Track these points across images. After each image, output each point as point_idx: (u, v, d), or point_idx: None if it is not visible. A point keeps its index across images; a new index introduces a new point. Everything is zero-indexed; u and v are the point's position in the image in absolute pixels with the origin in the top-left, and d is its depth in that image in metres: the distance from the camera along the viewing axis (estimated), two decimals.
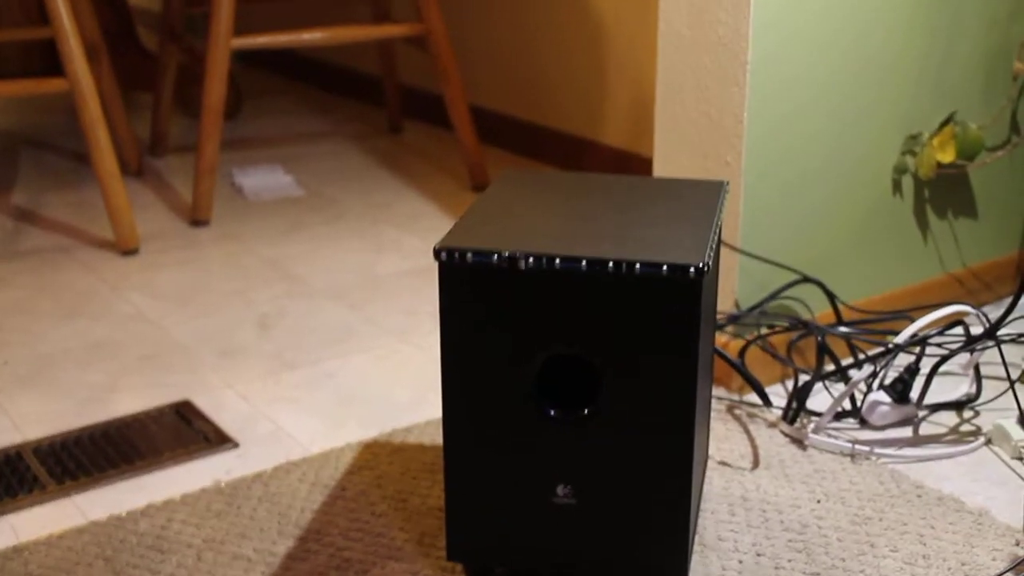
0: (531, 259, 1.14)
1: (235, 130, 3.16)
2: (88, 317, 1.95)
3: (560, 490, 1.21)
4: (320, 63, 3.67)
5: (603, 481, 1.20)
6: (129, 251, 2.24)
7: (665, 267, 1.12)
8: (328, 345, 1.84)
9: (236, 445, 1.55)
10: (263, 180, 2.66)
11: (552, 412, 1.20)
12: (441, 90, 2.59)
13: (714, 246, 1.19)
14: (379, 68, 3.12)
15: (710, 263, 1.14)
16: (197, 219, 2.40)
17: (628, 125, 2.58)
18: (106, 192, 2.20)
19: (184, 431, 1.58)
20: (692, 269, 1.11)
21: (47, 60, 3.32)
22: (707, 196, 1.31)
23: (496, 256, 1.15)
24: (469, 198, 2.56)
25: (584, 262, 1.13)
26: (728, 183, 1.36)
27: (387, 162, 2.85)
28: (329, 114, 3.36)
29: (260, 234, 2.35)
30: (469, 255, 1.15)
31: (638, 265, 1.12)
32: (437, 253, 1.16)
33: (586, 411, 1.19)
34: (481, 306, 1.17)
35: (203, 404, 1.66)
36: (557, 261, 1.14)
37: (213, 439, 1.56)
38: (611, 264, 1.13)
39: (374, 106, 3.39)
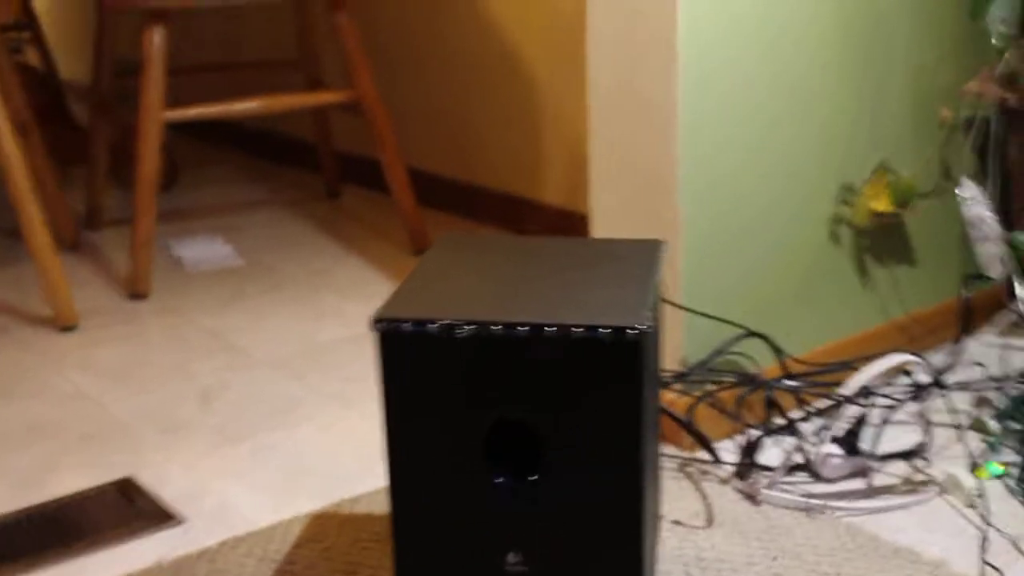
0: (469, 326, 1.13)
1: (172, 201, 3.13)
2: (26, 397, 1.91)
3: (511, 557, 1.19)
4: (256, 131, 3.66)
5: (554, 547, 1.18)
6: (67, 327, 2.20)
7: (604, 330, 1.11)
8: (272, 416, 1.82)
9: (180, 522, 1.52)
10: (202, 251, 2.64)
11: (499, 479, 1.18)
12: (377, 155, 2.59)
13: (654, 305, 1.18)
14: (314, 134, 3.11)
15: (650, 324, 1.13)
16: (135, 293, 2.37)
17: (566, 183, 2.59)
18: (41, 268, 2.17)
19: (126, 509, 1.55)
20: (632, 331, 1.10)
21: None
22: (645, 256, 1.30)
23: (433, 325, 1.14)
24: (410, 262, 2.54)
25: (523, 328, 1.12)
26: (665, 242, 1.36)
27: (326, 228, 2.84)
28: (266, 182, 3.34)
29: (200, 306, 2.32)
30: (407, 325, 1.14)
31: (578, 329, 1.11)
32: (374, 324, 1.15)
33: (534, 477, 1.17)
34: (422, 376, 1.16)
35: (145, 481, 1.63)
36: (495, 328, 1.12)
37: (156, 516, 1.53)
38: (550, 329, 1.12)
39: (311, 172, 3.38)
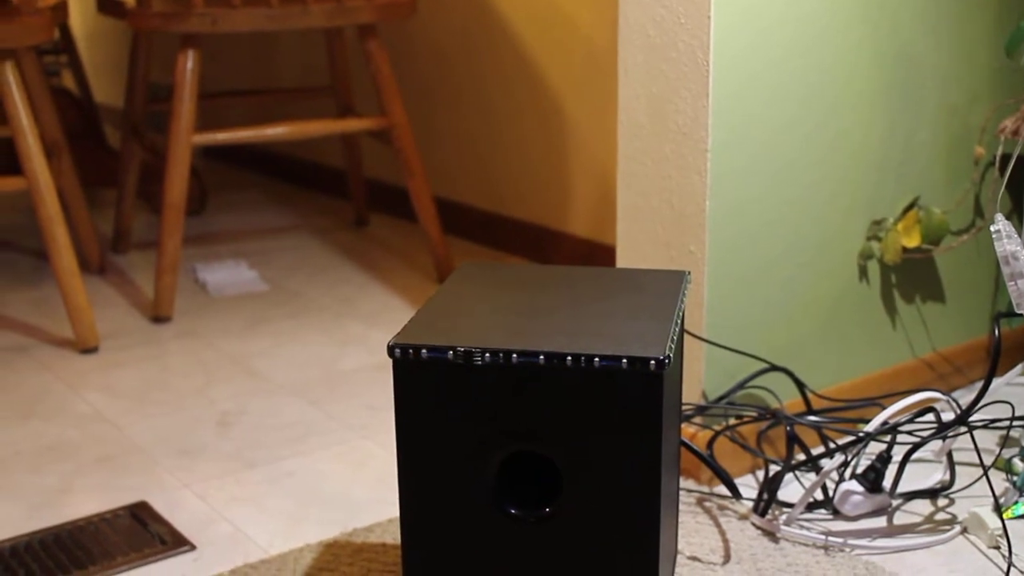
0: (487, 354, 1.11)
1: (200, 225, 3.13)
2: (43, 418, 1.91)
3: None
4: (286, 157, 3.66)
5: None
6: (88, 349, 2.20)
7: (625, 360, 1.09)
8: (289, 442, 1.81)
9: (193, 548, 1.51)
10: (226, 275, 2.63)
11: (513, 511, 1.16)
12: (405, 183, 2.58)
13: (676, 337, 1.16)
14: (344, 162, 3.11)
15: (671, 355, 1.11)
16: (158, 316, 2.37)
17: (594, 215, 2.57)
18: (64, 290, 2.17)
19: (139, 534, 1.54)
20: (653, 362, 1.09)
21: (6, 158, 3.30)
22: (668, 286, 1.29)
23: (451, 352, 1.12)
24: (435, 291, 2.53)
25: (542, 357, 1.11)
26: (690, 273, 1.34)
27: (352, 256, 2.83)
28: (295, 208, 3.35)
29: (222, 330, 2.32)
30: (424, 351, 1.13)
31: (597, 359, 1.10)
32: (391, 350, 1.13)
33: (548, 509, 1.15)
34: (438, 403, 1.14)
35: (160, 505, 1.62)
36: (514, 356, 1.11)
37: (169, 542, 1.52)
38: (570, 358, 1.10)
39: (340, 199, 3.38)
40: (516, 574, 1.17)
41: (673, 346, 1.13)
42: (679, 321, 1.20)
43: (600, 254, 2.54)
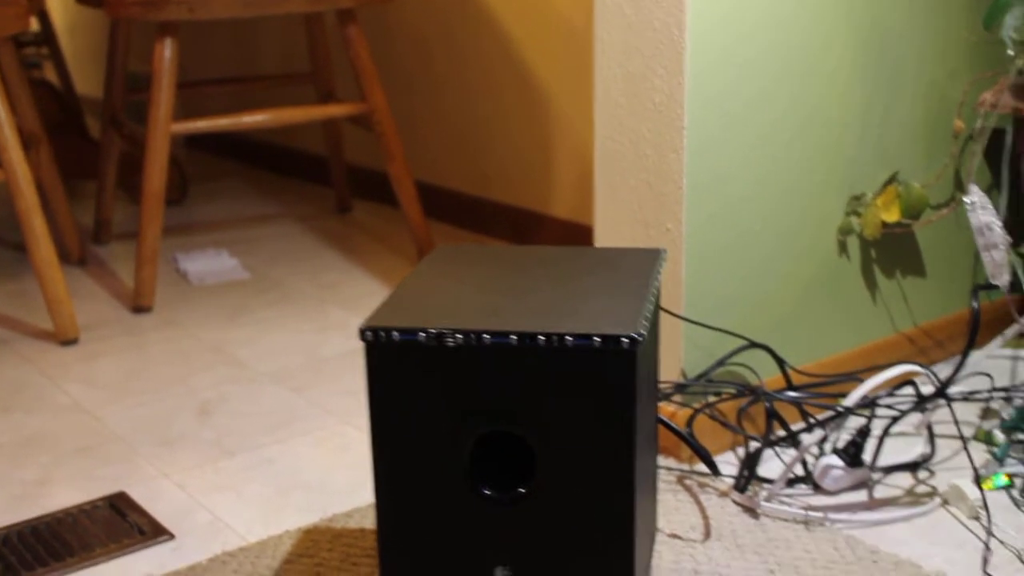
0: (459, 335, 1.11)
1: (181, 215, 3.12)
2: (23, 410, 1.90)
3: (499, 572, 1.17)
4: (267, 145, 3.65)
5: (543, 561, 1.16)
6: (68, 341, 2.19)
7: (598, 338, 1.09)
8: (269, 430, 1.80)
9: (171, 537, 1.50)
10: (208, 264, 2.62)
11: (487, 491, 1.16)
12: (386, 168, 2.57)
13: (650, 315, 1.16)
14: (326, 148, 3.10)
15: (644, 332, 1.10)
16: (139, 306, 2.36)
17: (575, 196, 2.57)
18: (43, 281, 2.16)
19: (118, 525, 1.53)
20: (626, 339, 1.08)
21: None
22: (643, 264, 1.28)
23: (423, 334, 1.12)
24: None
25: (514, 336, 1.10)
26: (665, 250, 1.33)
27: (335, 242, 2.82)
28: (277, 196, 3.33)
29: (203, 319, 2.31)
30: (395, 334, 1.12)
31: (569, 338, 1.09)
32: (363, 333, 1.13)
33: (522, 489, 1.15)
34: (410, 385, 1.14)
35: (139, 496, 1.61)
36: (486, 336, 1.10)
37: (148, 532, 1.51)
38: (542, 337, 1.10)
39: (322, 186, 3.37)
40: (492, 554, 1.17)
41: (647, 323, 1.13)
42: (654, 298, 1.20)
43: (583, 235, 2.53)
